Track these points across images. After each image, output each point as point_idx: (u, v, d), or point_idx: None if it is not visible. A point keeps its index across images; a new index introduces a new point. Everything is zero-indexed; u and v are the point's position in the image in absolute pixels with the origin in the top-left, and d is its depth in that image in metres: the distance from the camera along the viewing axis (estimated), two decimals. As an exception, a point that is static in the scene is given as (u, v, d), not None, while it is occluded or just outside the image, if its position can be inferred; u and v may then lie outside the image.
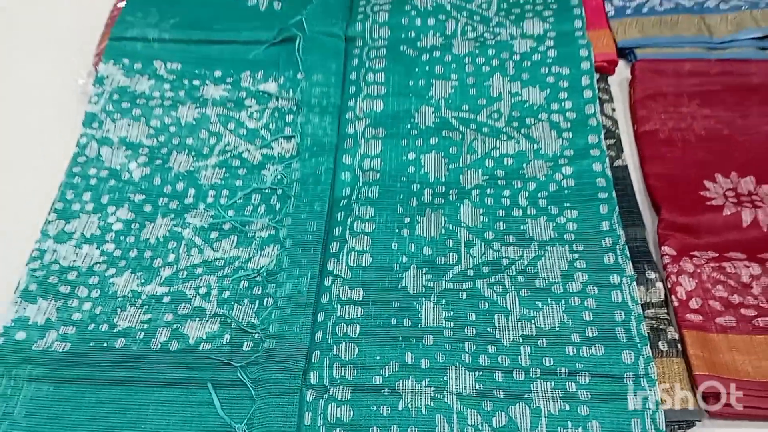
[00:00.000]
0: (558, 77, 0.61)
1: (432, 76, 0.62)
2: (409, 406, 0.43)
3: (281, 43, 0.65)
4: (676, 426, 0.42)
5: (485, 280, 0.49)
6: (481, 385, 0.44)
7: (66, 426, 0.45)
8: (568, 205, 0.53)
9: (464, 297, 0.48)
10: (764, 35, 0.63)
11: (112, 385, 0.46)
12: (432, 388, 0.44)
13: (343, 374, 0.45)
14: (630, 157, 0.58)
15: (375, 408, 0.43)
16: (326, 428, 0.43)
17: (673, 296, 0.48)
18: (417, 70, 0.63)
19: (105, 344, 0.48)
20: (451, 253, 0.51)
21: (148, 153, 0.59)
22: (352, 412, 0.43)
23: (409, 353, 0.46)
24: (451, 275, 0.50)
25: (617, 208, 0.52)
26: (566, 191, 0.54)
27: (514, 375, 0.44)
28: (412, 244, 0.52)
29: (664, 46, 0.64)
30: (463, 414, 0.43)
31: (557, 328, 0.46)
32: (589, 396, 0.43)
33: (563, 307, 0.47)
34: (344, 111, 0.61)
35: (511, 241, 0.51)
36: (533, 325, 0.46)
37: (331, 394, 0.44)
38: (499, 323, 0.47)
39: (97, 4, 0.70)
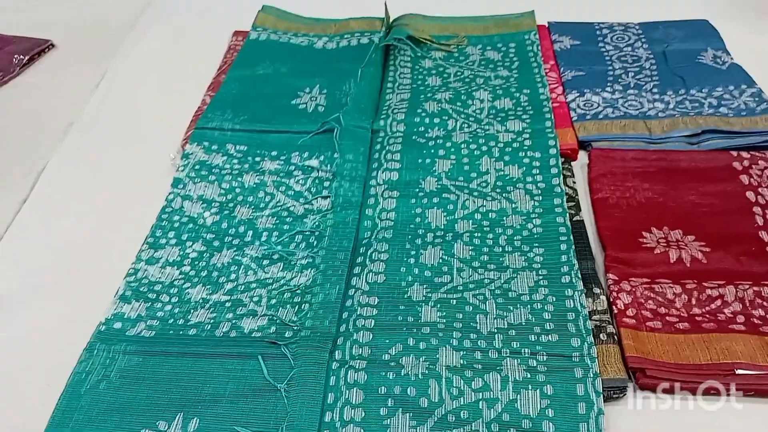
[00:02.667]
0: (532, 159, 0.80)
1: (436, 156, 0.82)
2: (410, 373, 0.57)
3: (323, 132, 0.87)
4: (612, 391, 0.56)
5: (471, 292, 0.65)
6: (464, 361, 0.58)
7: (149, 385, 0.59)
8: (536, 245, 0.69)
9: (454, 303, 0.64)
10: (691, 134, 0.83)
11: (184, 357, 0.61)
12: (427, 363, 0.58)
13: (360, 352, 0.60)
14: (586, 215, 0.75)
15: (383, 374, 0.58)
16: (346, 387, 0.57)
17: (614, 306, 0.62)
18: (425, 152, 0.82)
19: (180, 332, 0.64)
20: (446, 275, 0.67)
21: (218, 206, 0.78)
22: (366, 377, 0.58)
23: (411, 338, 0.60)
24: (445, 289, 0.65)
25: (573, 246, 0.68)
26: (536, 235, 0.71)
27: (489, 354, 0.58)
28: (416, 269, 0.68)
29: (615, 140, 0.84)
30: (450, 379, 0.57)
31: (523, 323, 0.61)
32: (546, 368, 0.57)
33: (529, 310, 0.62)
34: (368, 179, 0.80)
35: (492, 268, 0.67)
36: (505, 321, 0.61)
37: (350, 364, 0.59)
38: (479, 320, 0.62)
39: (185, 107, 0.94)
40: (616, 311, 0.62)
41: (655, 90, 0.90)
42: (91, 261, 0.74)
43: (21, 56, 1.06)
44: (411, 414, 0.55)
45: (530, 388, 0.56)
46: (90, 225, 0.78)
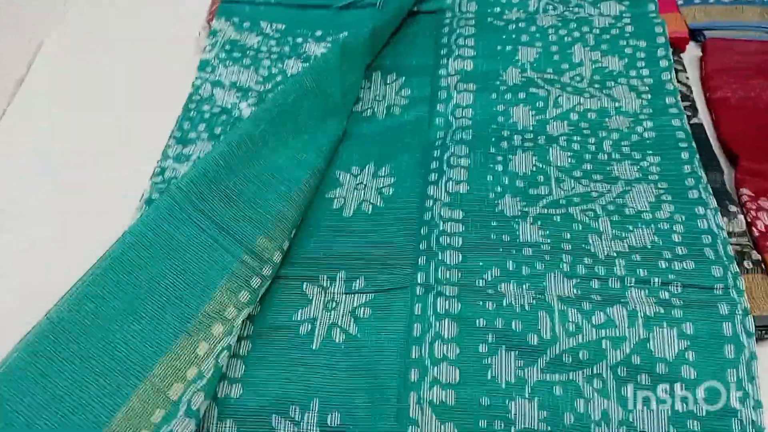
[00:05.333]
0: (635, 49, 0.66)
1: (518, 43, 0.67)
2: (513, 303, 0.47)
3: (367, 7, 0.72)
4: (764, 331, 0.45)
5: (577, 207, 0.53)
6: (579, 291, 0.47)
7: None
8: (650, 152, 0.57)
9: (558, 220, 0.52)
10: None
11: None
12: (533, 291, 0.47)
13: (448, 276, 0.49)
14: (703, 119, 0.62)
15: (481, 303, 0.47)
16: (435, 318, 0.47)
17: (754, 228, 0.51)
18: (504, 37, 0.68)
19: None
20: (542, 186, 0.55)
21: (257, 96, 0.65)
22: (459, 305, 0.47)
23: (510, 261, 0.49)
24: (544, 203, 0.54)
25: (697, 155, 0.56)
26: (648, 141, 0.58)
27: (610, 283, 0.48)
28: (506, 177, 0.56)
29: (731, 29, 0.69)
30: (564, 312, 0.46)
31: (648, 246, 0.50)
32: (682, 302, 0.46)
33: (653, 230, 0.51)
34: (437, 69, 0.66)
35: (598, 179, 0.55)
36: (626, 244, 0.50)
37: (438, 290, 0.48)
38: (592, 241, 0.50)
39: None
40: (757, 234, 0.51)
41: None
42: (111, 161, 0.61)
43: None
44: (517, 352, 0.45)
45: (665, 325, 0.45)
46: (105, 118, 0.65)
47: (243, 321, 0.46)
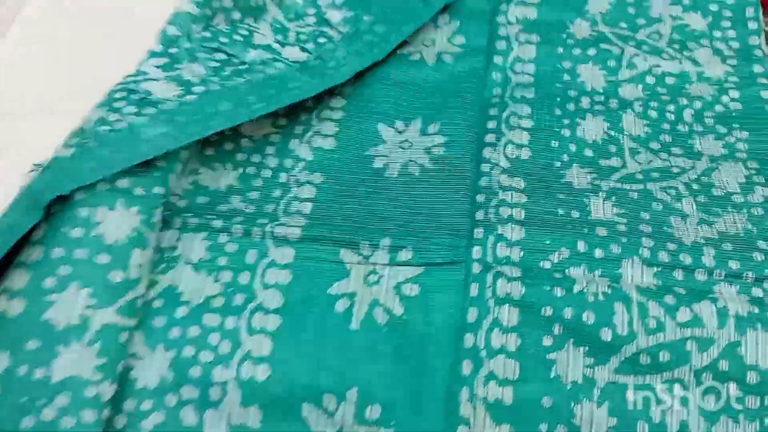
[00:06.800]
0: (721, 5, 0.58)
1: (588, -9, 0.60)
2: (585, 290, 0.41)
3: None
4: None
5: (657, 183, 0.46)
6: (661, 282, 0.41)
7: None
8: (737, 125, 0.50)
9: (635, 197, 0.46)
10: None
11: None
12: (607, 279, 0.41)
13: (509, 254, 0.43)
14: (795, 91, 0.55)
15: (548, 288, 0.41)
16: (495, 301, 0.41)
17: None
18: (571, -17, 0.60)
19: None
20: (615, 158, 0.49)
21: None
22: (523, 289, 0.41)
23: (581, 241, 0.43)
24: (619, 176, 0.47)
25: (791, 133, 0.49)
26: (734, 113, 0.51)
27: (696, 275, 0.41)
28: (573, 145, 0.49)
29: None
30: (644, 305, 0.40)
31: (741, 235, 0.43)
32: None
33: (746, 216, 0.44)
34: (496, 15, 0.58)
35: (679, 153, 0.49)
36: (714, 229, 0.44)
37: (498, 270, 0.42)
38: (676, 224, 0.44)
39: None
40: None
41: None
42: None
43: None
44: (587, 348, 0.39)
45: (760, 328, 0.39)
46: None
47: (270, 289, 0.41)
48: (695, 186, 0.46)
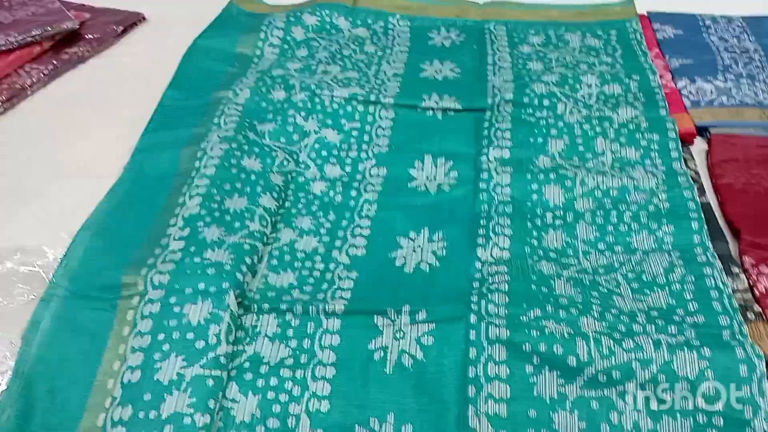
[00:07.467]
0: (650, 141, 0.78)
1: (548, 135, 0.80)
2: (554, 332, 0.55)
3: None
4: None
5: (603, 276, 0.63)
6: (608, 324, 0.56)
7: None
8: (665, 221, 0.68)
9: (587, 283, 0.62)
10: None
11: None
12: (569, 328, 0.56)
13: (497, 311, 0.58)
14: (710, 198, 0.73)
15: (527, 331, 0.56)
16: (488, 342, 0.55)
17: (755, 290, 0.61)
18: (536, 131, 0.81)
19: None
20: (572, 257, 0.66)
21: None
22: (508, 333, 0.56)
23: (549, 306, 0.58)
24: (574, 270, 0.64)
25: (705, 226, 0.66)
26: (663, 211, 0.69)
27: (634, 328, 0.56)
28: (540, 250, 0.67)
29: (733, 127, 0.82)
30: (598, 339, 0.54)
31: (664, 307, 0.59)
32: (699, 342, 0.54)
33: (668, 292, 0.60)
34: (479, 155, 0.79)
35: (619, 250, 0.66)
36: (645, 304, 0.60)
37: (489, 320, 0.57)
38: (617, 301, 0.60)
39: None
40: (758, 294, 0.60)
41: (768, 80, 0.88)
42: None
43: (116, 27, 1.07)
44: (558, 372, 0.53)
45: (686, 349, 0.53)
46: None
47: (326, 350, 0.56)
48: (630, 275, 0.63)
